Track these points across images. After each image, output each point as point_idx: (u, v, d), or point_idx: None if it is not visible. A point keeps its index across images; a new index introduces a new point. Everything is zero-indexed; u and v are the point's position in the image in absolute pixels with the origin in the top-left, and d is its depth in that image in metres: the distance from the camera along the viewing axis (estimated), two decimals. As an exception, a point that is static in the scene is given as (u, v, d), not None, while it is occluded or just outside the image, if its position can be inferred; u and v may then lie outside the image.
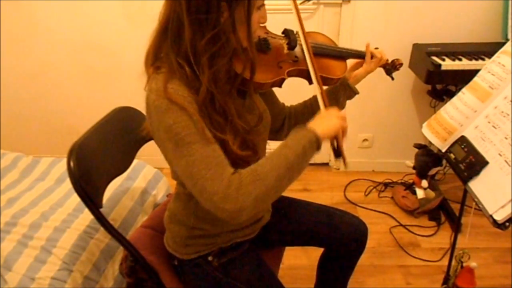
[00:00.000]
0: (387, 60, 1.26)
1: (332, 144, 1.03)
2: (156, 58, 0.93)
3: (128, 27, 2.32)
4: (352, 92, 1.24)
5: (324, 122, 0.98)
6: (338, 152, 1.04)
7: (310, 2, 2.20)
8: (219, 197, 0.84)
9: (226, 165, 0.88)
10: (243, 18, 0.88)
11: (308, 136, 0.93)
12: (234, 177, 0.86)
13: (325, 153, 2.69)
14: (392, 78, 1.30)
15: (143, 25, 2.28)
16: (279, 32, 1.13)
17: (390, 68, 1.27)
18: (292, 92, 1.30)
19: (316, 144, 0.94)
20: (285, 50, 1.09)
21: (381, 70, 1.29)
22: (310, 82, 1.10)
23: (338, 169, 2.67)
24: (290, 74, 1.07)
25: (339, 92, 1.23)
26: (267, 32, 1.09)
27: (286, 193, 1.33)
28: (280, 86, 1.07)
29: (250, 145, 0.97)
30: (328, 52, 1.17)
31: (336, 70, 1.16)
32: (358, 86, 1.26)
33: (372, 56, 1.22)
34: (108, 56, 2.43)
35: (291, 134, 0.95)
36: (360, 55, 1.24)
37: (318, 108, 1.22)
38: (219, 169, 0.86)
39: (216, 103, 0.91)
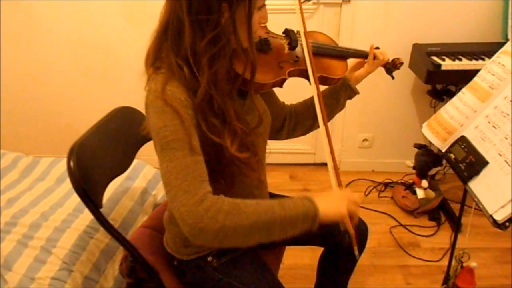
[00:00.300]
0: (388, 59, 1.26)
1: (341, 227, 0.97)
2: (156, 58, 0.93)
3: (128, 27, 2.33)
4: (352, 92, 1.24)
5: (330, 202, 0.93)
6: (346, 238, 0.98)
7: (310, 2, 2.20)
8: (185, 210, 0.82)
9: (203, 181, 0.86)
10: (244, 19, 0.88)
11: (307, 208, 0.89)
12: (209, 197, 0.84)
13: (325, 153, 2.68)
14: (393, 77, 1.30)
15: (143, 25, 2.29)
16: (280, 32, 1.13)
17: (391, 67, 1.27)
18: (293, 91, 1.30)
19: (311, 221, 0.89)
20: (286, 50, 1.09)
21: (381, 70, 1.29)
22: (310, 82, 1.10)
23: (338, 169, 2.67)
24: (291, 74, 1.07)
25: (340, 92, 1.23)
26: (268, 32, 1.09)
27: (286, 193, 1.33)
28: (281, 86, 1.07)
29: (249, 147, 0.97)
30: (329, 52, 1.17)
31: (337, 70, 1.16)
32: (358, 86, 1.26)
33: (374, 57, 1.22)
34: (108, 56, 2.43)
35: (296, 197, 0.91)
36: (361, 55, 1.24)
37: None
38: (195, 183, 0.84)
39: (215, 104, 0.90)
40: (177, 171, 0.84)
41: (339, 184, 1.01)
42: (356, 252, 1.00)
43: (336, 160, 1.02)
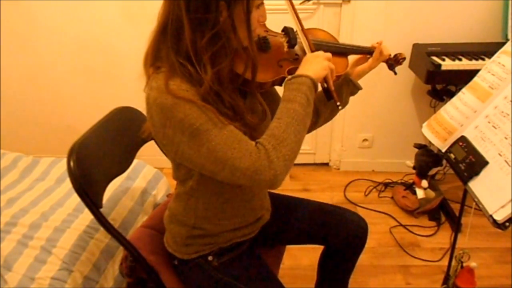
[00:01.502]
0: (390, 55, 1.25)
1: (322, 86, 1.03)
2: (155, 58, 0.93)
3: (128, 27, 2.33)
4: (355, 88, 1.23)
5: (313, 65, 0.98)
6: (329, 94, 1.03)
7: (310, 2, 2.20)
8: (252, 171, 0.86)
9: (247, 140, 0.89)
10: (242, 17, 0.88)
11: (305, 83, 0.94)
12: (258, 148, 0.88)
13: (325, 153, 2.69)
14: (395, 73, 1.29)
15: (142, 25, 2.27)
16: (278, 30, 1.12)
17: (393, 63, 1.26)
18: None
19: (314, 88, 0.95)
20: (285, 49, 1.09)
21: (382, 69, 1.28)
22: None
23: (338, 169, 2.67)
24: (290, 73, 1.07)
25: (342, 88, 1.22)
26: (267, 30, 1.09)
27: (286, 192, 1.33)
28: (280, 84, 1.07)
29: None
30: (329, 49, 1.17)
31: (338, 66, 1.15)
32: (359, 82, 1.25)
33: (372, 52, 1.22)
34: (108, 56, 2.43)
35: (286, 85, 0.96)
36: (363, 51, 1.23)
37: (319, 104, 1.22)
38: (243, 146, 0.88)
39: (225, 99, 0.91)
40: (222, 146, 0.87)
41: (311, 49, 1.05)
42: (338, 103, 1.05)
43: (302, 23, 1.05)
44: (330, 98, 1.03)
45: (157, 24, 0.92)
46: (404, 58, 1.26)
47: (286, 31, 1.10)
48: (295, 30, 1.10)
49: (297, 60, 1.08)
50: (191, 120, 0.86)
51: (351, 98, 1.25)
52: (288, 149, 0.88)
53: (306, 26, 1.08)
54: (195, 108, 0.86)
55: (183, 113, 0.86)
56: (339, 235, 1.26)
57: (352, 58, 1.24)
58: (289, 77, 0.97)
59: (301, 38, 1.06)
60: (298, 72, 0.97)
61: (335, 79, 1.16)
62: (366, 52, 1.24)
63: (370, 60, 1.22)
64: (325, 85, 1.02)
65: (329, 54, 1.02)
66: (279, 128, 0.90)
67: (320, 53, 1.02)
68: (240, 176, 0.88)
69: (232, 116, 0.92)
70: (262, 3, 0.94)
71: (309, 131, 1.29)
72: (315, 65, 0.98)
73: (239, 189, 1.07)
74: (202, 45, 0.87)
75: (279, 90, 1.18)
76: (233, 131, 0.89)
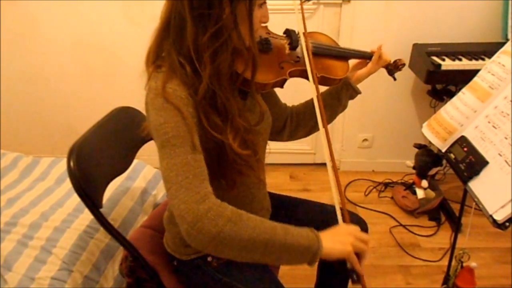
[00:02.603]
0: (390, 60, 1.25)
1: (348, 265, 0.90)
2: (157, 57, 0.94)
3: (128, 27, 2.33)
4: (354, 92, 1.24)
5: (335, 239, 0.89)
6: (354, 277, 0.89)
7: (310, 2, 2.20)
8: (186, 207, 0.80)
9: (204, 180, 0.84)
10: (245, 15, 0.88)
11: (311, 242, 0.86)
12: (213, 199, 0.83)
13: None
14: (394, 79, 1.30)
15: (143, 25, 2.29)
16: (280, 32, 1.12)
17: (393, 68, 1.27)
18: (294, 92, 1.30)
19: (311, 256, 0.86)
20: (287, 51, 1.09)
21: (382, 69, 1.28)
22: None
23: (338, 169, 2.67)
24: (291, 75, 1.07)
25: (341, 92, 1.23)
26: (269, 32, 1.09)
27: (285, 192, 1.33)
28: (281, 86, 1.07)
29: (250, 145, 0.97)
30: (329, 53, 1.17)
31: (338, 70, 1.15)
32: (358, 86, 1.25)
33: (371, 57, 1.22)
34: (108, 56, 2.43)
35: (303, 228, 0.89)
36: (363, 56, 1.24)
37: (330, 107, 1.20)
38: (196, 181, 0.83)
39: (218, 100, 0.90)
40: (178, 168, 0.83)
41: (346, 220, 0.95)
42: None
43: (339, 179, 0.97)
44: (355, 282, 0.89)
45: (160, 22, 0.92)
46: (404, 64, 1.27)
47: (288, 33, 1.10)
48: (297, 32, 1.10)
49: (298, 62, 1.08)
50: (166, 128, 0.85)
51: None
52: (230, 235, 0.80)
53: (307, 28, 1.08)
54: (178, 118, 0.85)
55: (165, 118, 0.85)
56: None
57: (352, 62, 1.25)
58: (311, 229, 0.88)
59: (302, 41, 1.06)
60: (322, 233, 0.89)
61: (335, 83, 1.16)
62: (366, 56, 1.24)
63: (370, 64, 1.23)
64: (349, 266, 0.90)
65: (364, 237, 0.90)
66: (250, 220, 0.83)
67: (353, 231, 0.91)
68: (175, 204, 0.82)
69: (221, 125, 0.91)
70: (265, 3, 0.94)
71: (311, 133, 1.30)
72: (337, 243, 0.88)
73: (238, 191, 1.07)
74: (203, 41, 0.87)
75: (281, 93, 1.19)
76: (197, 162, 0.84)
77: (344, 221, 0.96)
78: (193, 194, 0.81)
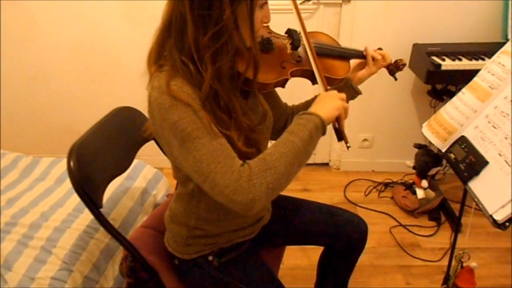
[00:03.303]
0: (391, 60, 1.25)
1: (333, 126, 1.02)
2: (159, 56, 0.93)
3: (128, 27, 2.33)
4: (355, 93, 1.24)
5: (326, 104, 0.98)
6: (340, 134, 1.02)
7: (310, 2, 2.20)
8: (231, 190, 0.84)
9: (234, 158, 0.88)
10: (246, 16, 0.88)
11: (313, 120, 0.93)
12: (243, 168, 0.86)
13: (325, 153, 2.69)
14: (395, 79, 1.30)
15: (143, 25, 2.29)
16: (282, 32, 1.12)
17: (393, 68, 1.27)
18: (295, 92, 1.30)
19: (322, 128, 0.94)
20: (288, 50, 1.09)
21: (382, 69, 1.28)
22: (313, 82, 1.09)
23: (338, 169, 2.67)
24: (293, 74, 1.07)
25: (342, 92, 1.23)
26: (270, 32, 1.09)
27: (286, 193, 1.33)
28: (283, 86, 1.07)
29: (253, 143, 0.97)
30: (331, 53, 1.17)
31: (339, 70, 1.15)
32: (358, 86, 1.25)
33: (373, 58, 1.22)
34: (108, 56, 2.43)
35: (295, 119, 0.95)
36: (363, 56, 1.24)
37: None
38: (228, 162, 0.86)
39: (221, 100, 0.91)
40: (208, 158, 0.85)
41: (326, 88, 1.05)
42: (348, 144, 1.03)
43: (318, 63, 1.05)
44: (341, 139, 1.02)
45: (161, 22, 0.92)
46: (405, 64, 1.27)
47: (290, 33, 1.10)
48: (298, 32, 1.10)
49: (300, 62, 1.08)
50: (183, 124, 0.86)
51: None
52: (274, 178, 0.86)
53: (306, 27, 1.08)
54: (190, 112, 0.86)
55: (178, 115, 0.86)
56: (339, 237, 1.26)
57: (353, 62, 1.24)
58: (300, 112, 0.96)
59: (304, 40, 1.06)
60: (311, 109, 0.97)
61: (337, 83, 1.16)
62: (364, 57, 1.24)
63: (371, 65, 1.22)
64: (337, 125, 1.01)
65: (343, 95, 1.01)
66: (272, 155, 0.88)
67: (334, 92, 1.01)
68: (219, 192, 0.86)
69: (228, 121, 0.92)
70: (266, 3, 0.94)
71: None
72: (328, 105, 0.98)
73: None
74: (204, 42, 0.87)
75: (282, 93, 1.19)
76: (223, 145, 0.88)
77: (325, 89, 1.05)
78: (230, 175, 0.85)
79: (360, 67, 1.25)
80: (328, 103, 0.98)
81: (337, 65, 1.16)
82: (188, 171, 0.91)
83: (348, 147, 1.04)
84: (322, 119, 0.94)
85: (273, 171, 0.86)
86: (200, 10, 0.86)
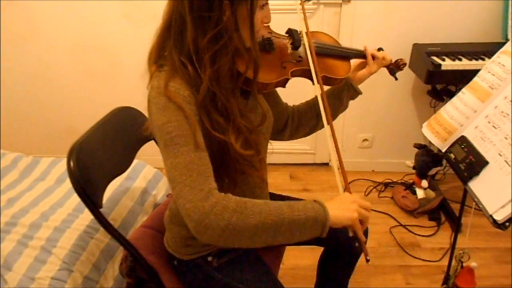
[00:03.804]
0: (391, 60, 1.25)
1: (349, 233, 0.93)
2: (159, 56, 0.94)
3: (128, 27, 2.32)
4: (355, 92, 1.24)
5: (341, 207, 0.90)
6: (356, 244, 0.96)
7: (310, 2, 2.20)
8: (191, 206, 0.81)
9: (208, 177, 0.85)
10: (246, 17, 0.88)
11: (318, 213, 0.87)
12: (216, 194, 0.83)
13: (325, 153, 2.69)
14: (396, 78, 1.30)
15: (143, 25, 2.29)
16: (282, 31, 1.12)
17: (394, 68, 1.27)
18: (295, 91, 1.30)
19: (321, 227, 0.87)
20: (289, 50, 1.09)
21: (383, 69, 1.28)
22: (314, 82, 1.09)
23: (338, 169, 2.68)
24: (294, 74, 1.07)
25: (343, 92, 1.23)
26: (271, 31, 1.09)
27: (286, 193, 1.33)
28: (283, 86, 1.07)
29: (252, 145, 0.97)
30: (332, 52, 1.17)
31: (340, 70, 1.15)
32: (359, 86, 1.25)
33: (374, 58, 1.22)
34: (108, 56, 2.43)
35: (306, 200, 0.90)
36: (363, 55, 1.24)
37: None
38: (200, 179, 0.83)
39: (218, 102, 0.90)
40: (182, 167, 0.84)
41: (347, 187, 0.97)
42: (368, 257, 0.95)
43: (342, 162, 0.97)
44: (360, 251, 0.93)
45: (161, 22, 0.92)
46: (405, 64, 1.27)
47: (290, 32, 1.10)
48: (299, 31, 1.10)
49: (300, 62, 1.08)
50: (169, 128, 0.85)
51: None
52: (238, 225, 0.81)
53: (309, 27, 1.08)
54: (180, 117, 0.85)
55: (168, 118, 0.85)
56: (339, 238, 1.26)
57: (353, 62, 1.24)
58: (314, 199, 0.89)
59: (305, 40, 1.06)
60: (326, 202, 0.90)
61: (337, 83, 1.16)
62: (365, 56, 1.24)
63: (372, 65, 1.22)
64: (352, 234, 0.93)
65: (367, 204, 0.93)
66: (255, 206, 0.84)
67: (357, 199, 0.93)
68: (180, 204, 0.83)
69: (223, 123, 0.91)
70: (267, 4, 0.94)
71: (311, 132, 1.30)
72: (343, 211, 0.90)
73: (240, 190, 1.07)
74: (203, 44, 0.87)
75: (283, 93, 1.19)
76: (201, 160, 0.85)
77: (345, 190, 0.97)
78: (197, 192, 0.82)
79: (361, 66, 1.25)
80: (345, 207, 0.90)
81: (338, 65, 1.16)
82: (166, 174, 0.88)
83: (367, 260, 0.95)
84: (327, 218, 0.86)
85: (242, 219, 0.82)
86: (199, 12, 0.85)
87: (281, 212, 0.84)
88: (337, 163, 0.98)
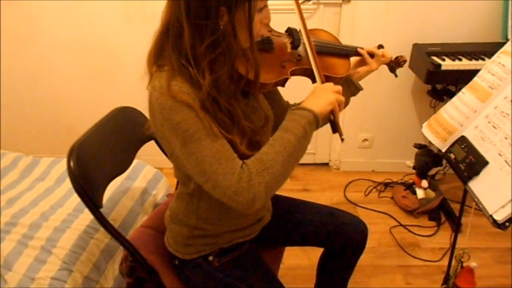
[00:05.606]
0: (391, 57, 1.25)
1: (328, 119, 1.02)
2: (159, 56, 0.93)
3: (128, 27, 2.32)
4: (356, 89, 1.23)
5: (320, 98, 0.97)
6: (334, 127, 1.02)
7: (310, 2, 2.20)
8: (232, 191, 0.86)
9: (235, 159, 0.89)
10: (244, 22, 0.88)
11: (306, 116, 0.93)
12: (243, 169, 0.88)
13: (325, 153, 2.69)
14: (396, 75, 1.30)
15: (143, 25, 2.29)
16: (282, 30, 1.12)
17: (394, 65, 1.27)
18: (295, 90, 1.30)
19: (315, 123, 0.94)
20: (289, 49, 1.08)
21: (383, 69, 1.28)
22: (314, 81, 1.09)
23: (338, 169, 2.67)
24: (293, 73, 1.06)
25: (343, 89, 1.22)
26: (271, 30, 1.08)
27: (286, 193, 1.33)
28: (283, 85, 1.07)
29: (256, 145, 0.97)
30: (331, 51, 1.16)
31: (340, 68, 1.15)
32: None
33: (373, 55, 1.22)
34: (108, 56, 2.43)
35: (288, 115, 0.95)
36: (360, 54, 1.24)
37: None
38: (229, 163, 0.87)
39: (222, 105, 0.91)
40: (210, 159, 0.87)
41: (322, 80, 1.04)
42: (342, 136, 1.04)
43: (320, 70, 1.05)
44: (335, 131, 1.02)
45: (160, 25, 0.92)
46: (405, 61, 1.27)
47: (290, 31, 1.09)
48: (298, 30, 1.09)
49: (300, 61, 1.08)
50: (186, 126, 0.86)
51: (352, 98, 1.25)
52: (272, 177, 0.88)
53: (307, 26, 1.08)
54: (192, 114, 0.86)
55: (181, 116, 0.86)
56: (339, 238, 1.26)
57: (353, 59, 1.24)
58: (293, 107, 0.96)
59: (304, 39, 1.06)
60: (304, 103, 0.97)
61: (337, 81, 1.16)
62: (368, 54, 1.23)
63: (372, 62, 1.22)
64: (332, 117, 1.01)
65: (339, 88, 1.01)
66: (268, 154, 0.89)
67: (329, 85, 1.01)
68: (220, 193, 0.88)
69: (229, 122, 0.92)
70: (266, 6, 0.93)
71: None
72: (322, 99, 0.97)
73: None
74: (201, 50, 0.87)
75: (283, 92, 1.19)
76: (224, 146, 0.89)
77: (322, 81, 1.04)
78: (231, 176, 0.86)
79: (360, 64, 1.24)
80: (322, 97, 0.98)
81: (338, 63, 1.16)
82: (190, 171, 0.91)
83: (342, 139, 1.05)
84: (315, 114, 0.94)
85: (271, 171, 0.88)
86: (196, 20, 0.85)
87: (286, 141, 0.91)
88: (313, 60, 1.05)
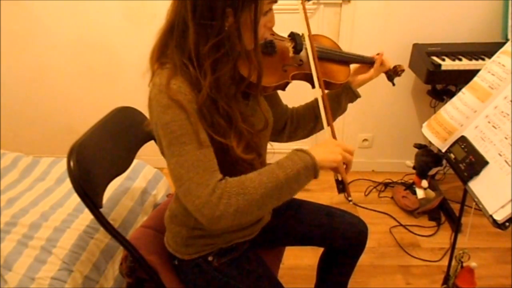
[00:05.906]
0: (390, 66, 1.26)
1: (335, 177, 1.00)
2: (161, 54, 0.93)
3: (128, 27, 2.32)
4: (354, 96, 1.24)
5: (326, 151, 0.95)
6: (340, 187, 1.00)
7: (310, 2, 2.20)
8: (201, 202, 0.84)
9: (214, 171, 0.88)
10: (249, 24, 0.88)
11: (305, 161, 0.91)
12: (219, 184, 0.86)
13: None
14: (393, 84, 1.31)
15: (143, 25, 2.29)
16: (285, 33, 1.12)
17: (392, 74, 1.29)
18: (295, 93, 1.30)
19: (313, 172, 0.92)
20: (291, 54, 1.08)
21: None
22: (314, 86, 1.09)
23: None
24: (294, 78, 1.07)
25: (341, 96, 1.23)
26: (273, 33, 1.08)
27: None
28: (283, 89, 1.07)
29: (254, 148, 0.97)
30: (332, 57, 1.17)
31: (340, 75, 1.15)
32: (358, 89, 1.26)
33: (373, 63, 1.23)
34: (108, 56, 2.43)
35: (289, 153, 0.93)
36: (365, 61, 1.24)
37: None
38: (206, 175, 0.86)
39: (220, 107, 0.91)
40: (188, 165, 0.86)
41: (334, 135, 1.03)
42: (350, 198, 1.02)
43: (329, 110, 1.04)
44: (341, 191, 1.01)
45: (165, 22, 0.92)
46: (403, 70, 1.29)
47: (293, 36, 1.09)
48: (301, 35, 1.09)
49: (301, 65, 1.08)
50: (174, 127, 0.86)
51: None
52: (245, 204, 0.86)
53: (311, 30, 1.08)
54: (183, 116, 0.86)
55: (171, 117, 0.86)
56: (339, 238, 1.26)
57: (353, 66, 1.25)
58: (298, 148, 0.94)
59: (307, 45, 1.06)
60: (309, 148, 0.94)
61: (337, 88, 1.16)
62: (368, 62, 1.25)
63: (372, 70, 1.24)
64: (339, 177, 1.00)
65: (351, 148, 0.98)
66: (252, 180, 0.88)
67: (342, 143, 0.98)
68: (189, 201, 0.86)
69: (226, 125, 0.91)
70: (271, 9, 0.93)
71: (310, 135, 1.30)
72: (328, 154, 0.95)
73: None
74: (205, 51, 0.87)
75: (282, 95, 1.19)
76: (207, 156, 0.87)
77: (333, 136, 1.03)
78: (204, 187, 0.85)
79: (360, 71, 1.26)
80: (330, 151, 0.95)
81: (338, 70, 1.16)
82: (169, 172, 0.90)
83: (349, 201, 1.03)
84: (315, 162, 0.91)
85: (247, 197, 0.86)
86: (202, 20, 0.85)
87: (275, 175, 0.88)
88: (323, 113, 1.04)
